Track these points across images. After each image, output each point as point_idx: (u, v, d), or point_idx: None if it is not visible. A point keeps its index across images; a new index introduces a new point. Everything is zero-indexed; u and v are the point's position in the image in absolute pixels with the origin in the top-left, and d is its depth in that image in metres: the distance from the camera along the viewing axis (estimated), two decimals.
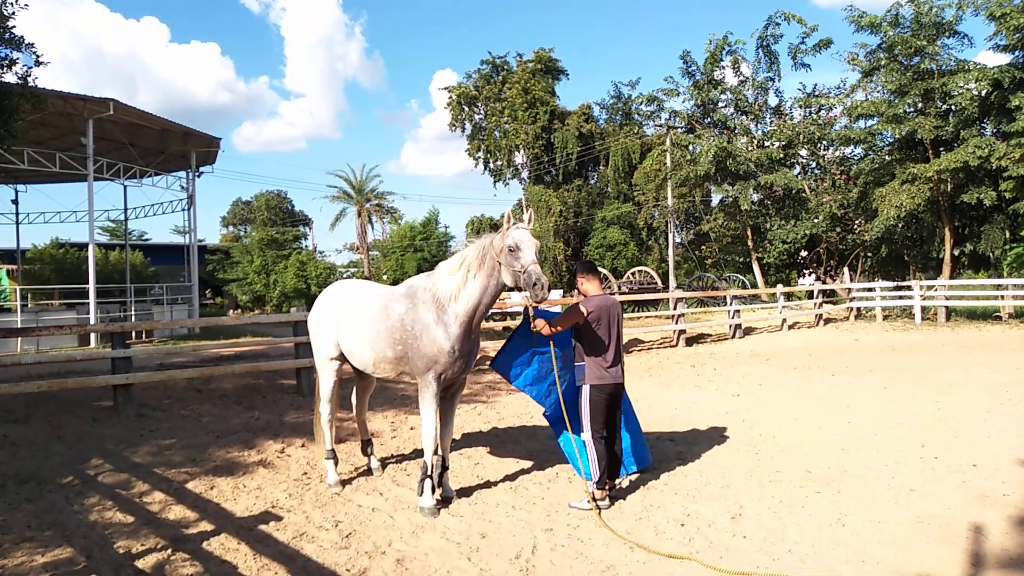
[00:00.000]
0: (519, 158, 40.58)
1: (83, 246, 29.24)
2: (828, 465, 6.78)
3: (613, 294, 24.43)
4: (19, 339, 18.28)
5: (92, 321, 20.53)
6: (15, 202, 29.05)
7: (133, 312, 25.93)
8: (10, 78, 11.23)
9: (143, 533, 5.34)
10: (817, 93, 29.06)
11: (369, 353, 6.03)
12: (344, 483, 6.60)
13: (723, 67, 29.98)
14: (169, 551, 4.96)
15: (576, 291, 6.11)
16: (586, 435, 5.81)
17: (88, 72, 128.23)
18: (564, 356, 6.15)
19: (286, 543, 5.15)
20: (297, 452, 7.77)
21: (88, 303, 21.17)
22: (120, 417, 9.32)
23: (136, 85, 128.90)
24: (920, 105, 23.27)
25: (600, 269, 31.01)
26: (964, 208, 23.26)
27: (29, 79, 11.37)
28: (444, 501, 5.95)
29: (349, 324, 6.18)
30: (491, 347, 14.65)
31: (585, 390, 5.80)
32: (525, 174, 40.89)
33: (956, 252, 24.22)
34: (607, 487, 5.84)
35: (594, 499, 5.71)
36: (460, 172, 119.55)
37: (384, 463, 7.24)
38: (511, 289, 5.66)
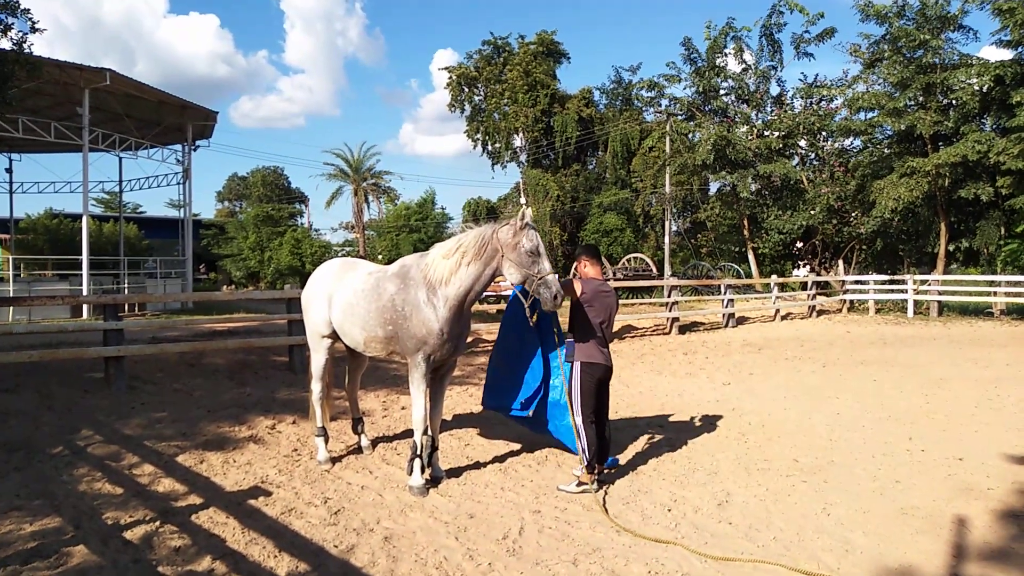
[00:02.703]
0: (518, 141, 40.44)
1: (77, 217, 29.06)
2: (815, 455, 6.83)
3: (608, 280, 24.47)
4: (11, 308, 18.21)
5: (85, 292, 20.46)
6: (9, 171, 28.79)
7: (126, 285, 25.85)
8: (5, 44, 11.09)
9: (132, 504, 5.35)
10: (818, 83, 28.95)
11: (360, 332, 6.03)
12: (334, 460, 6.62)
13: (726, 54, 29.80)
14: (158, 523, 4.98)
15: (574, 272, 6.13)
16: (576, 419, 5.83)
17: (85, 41, 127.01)
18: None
19: (275, 518, 5.17)
20: (288, 429, 7.79)
21: (81, 274, 21.08)
22: (111, 389, 9.31)
23: (133, 56, 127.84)
24: (921, 99, 23.21)
25: None
26: (961, 203, 23.30)
27: (24, 45, 11.23)
28: (433, 481, 5.98)
29: (341, 302, 6.18)
30: (484, 329, 14.68)
31: (576, 368, 5.82)
32: (523, 157, 40.76)
33: (951, 247, 24.29)
34: (596, 471, 5.88)
35: (581, 483, 5.75)
36: (458, 153, 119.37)
37: (374, 442, 7.26)
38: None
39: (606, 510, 5.31)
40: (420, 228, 42.26)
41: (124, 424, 7.74)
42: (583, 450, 5.80)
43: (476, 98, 41.13)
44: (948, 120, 22.56)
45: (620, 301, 19.62)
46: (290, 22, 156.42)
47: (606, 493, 5.74)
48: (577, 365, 5.82)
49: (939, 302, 22.05)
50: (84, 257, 20.74)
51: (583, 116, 38.43)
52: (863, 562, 4.45)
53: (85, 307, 19.47)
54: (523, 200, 33.47)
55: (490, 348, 14.26)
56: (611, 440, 6.23)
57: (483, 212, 42.13)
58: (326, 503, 5.50)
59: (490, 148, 40.96)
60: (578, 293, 5.77)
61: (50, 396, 8.88)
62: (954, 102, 22.66)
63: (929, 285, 22.42)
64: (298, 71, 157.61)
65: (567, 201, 37.96)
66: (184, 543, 4.67)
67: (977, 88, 21.89)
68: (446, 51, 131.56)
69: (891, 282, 23.92)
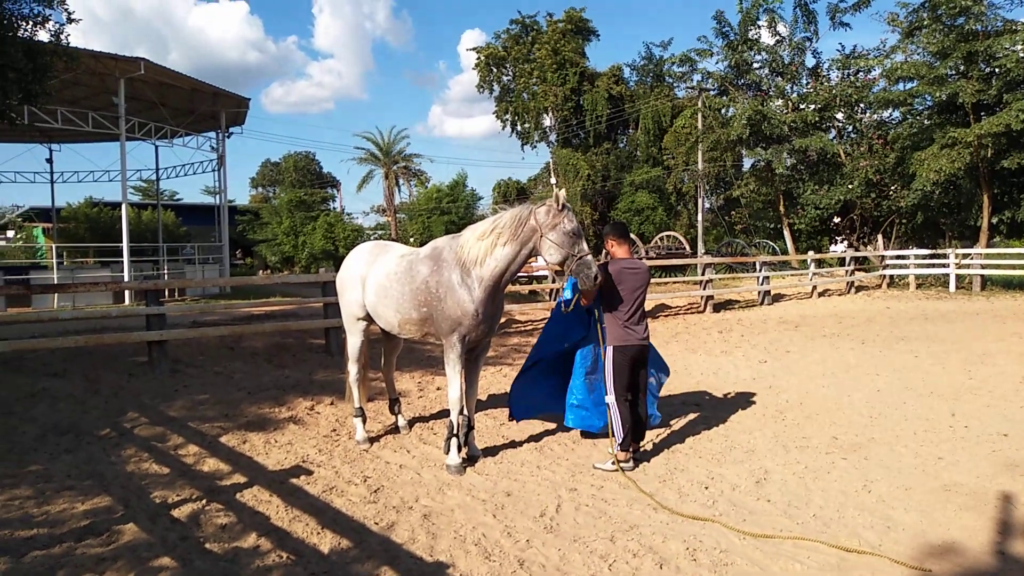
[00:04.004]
0: (547, 121, 40.06)
1: (116, 205, 29.70)
2: (855, 432, 6.75)
3: (641, 259, 24.28)
4: (56, 295, 18.71)
5: (126, 279, 20.93)
6: (49, 161, 29.45)
7: (166, 271, 26.37)
8: (43, 36, 11.29)
9: (178, 484, 5.50)
10: (856, 54, 28.17)
11: (394, 314, 6.08)
12: (372, 440, 6.72)
13: (759, 26, 29.12)
14: (204, 501, 5.11)
15: (604, 252, 6.09)
16: (610, 397, 5.83)
17: (118, 30, 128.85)
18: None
19: (316, 496, 5.28)
20: (326, 409, 7.92)
21: (122, 261, 21.54)
22: (155, 372, 9.54)
23: (166, 44, 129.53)
24: (962, 68, 22.48)
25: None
26: (1004, 174, 22.57)
27: (61, 36, 11.43)
28: (470, 459, 6.03)
29: (374, 285, 6.23)
30: (516, 310, 14.71)
31: (609, 352, 5.82)
32: (553, 137, 40.41)
33: (994, 220, 23.59)
34: (631, 449, 5.88)
35: (617, 460, 5.76)
36: (487, 134, 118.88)
37: (411, 422, 7.34)
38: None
39: (637, 485, 5.31)
40: (451, 210, 42.28)
41: (168, 406, 7.93)
42: (617, 428, 5.80)
43: (505, 78, 40.78)
44: (991, 88, 21.83)
45: (655, 280, 19.53)
46: (318, 6, 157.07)
47: (642, 471, 5.75)
48: (610, 349, 5.83)
49: (982, 276, 21.49)
50: (124, 244, 21.18)
51: (613, 94, 37.92)
52: (905, 539, 4.41)
53: (127, 293, 19.92)
54: (554, 180, 33.29)
55: (524, 329, 14.35)
56: (647, 418, 6.22)
57: (513, 193, 41.94)
58: (366, 481, 5.59)
59: (519, 128, 40.65)
60: (604, 280, 5.76)
61: (96, 380, 9.11)
62: (997, 70, 21.88)
63: (972, 259, 21.85)
64: (327, 56, 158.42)
65: (598, 180, 37.61)
66: (230, 520, 4.80)
67: (1022, 55, 21.11)
68: (474, 31, 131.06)
69: (932, 256, 23.37)
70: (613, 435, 5.84)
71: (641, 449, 6.17)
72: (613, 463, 5.76)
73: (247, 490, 5.37)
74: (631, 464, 5.80)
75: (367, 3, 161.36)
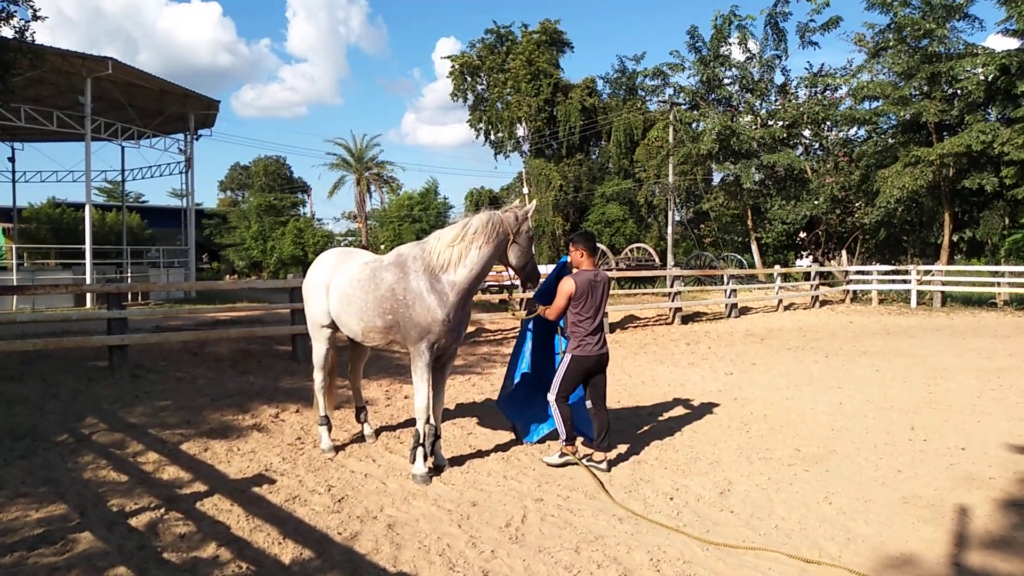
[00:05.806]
0: (521, 131, 40.20)
1: (80, 206, 29.12)
2: (817, 444, 6.84)
3: (610, 270, 24.45)
4: (15, 297, 18.26)
5: (88, 281, 20.50)
6: (12, 160, 28.80)
7: (129, 274, 25.89)
8: (7, 32, 11.09)
9: (137, 492, 5.38)
10: (823, 73, 28.80)
11: (358, 322, 6.02)
12: (337, 449, 6.64)
13: (730, 43, 29.64)
14: (163, 510, 5.00)
15: (571, 263, 6.19)
16: (551, 396, 6.02)
17: (87, 29, 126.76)
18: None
19: (279, 505, 5.20)
20: (291, 417, 7.82)
21: (84, 263, 21.13)
22: (115, 377, 9.35)
23: (136, 45, 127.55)
24: (926, 88, 23.09)
25: (598, 245, 31.06)
26: (965, 194, 23.20)
27: (26, 33, 11.22)
28: (436, 469, 6.00)
29: (338, 293, 6.17)
30: (486, 319, 14.69)
31: (567, 358, 6.01)
32: (526, 147, 40.56)
33: (955, 238, 24.21)
34: (574, 444, 6.09)
35: (563, 454, 6.06)
36: (461, 143, 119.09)
37: (377, 431, 7.28)
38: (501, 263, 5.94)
39: (599, 479, 5.33)
40: (422, 218, 42.22)
41: (128, 412, 7.77)
42: (559, 425, 6.04)
43: (479, 87, 40.87)
44: (953, 109, 22.45)
45: (624, 292, 19.66)
46: (292, 10, 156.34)
47: (608, 481, 5.76)
48: (569, 356, 6.00)
49: (942, 292, 22.01)
50: (87, 246, 20.79)
51: (586, 105, 38.20)
52: (864, 550, 4.47)
53: (88, 296, 19.50)
54: (526, 190, 33.39)
55: (493, 338, 14.34)
56: (610, 427, 6.23)
57: (485, 202, 41.90)
58: (330, 491, 5.52)
59: (493, 138, 40.74)
60: (572, 292, 5.86)
61: (55, 384, 8.91)
62: (959, 91, 22.53)
63: (932, 275, 22.38)
64: (300, 60, 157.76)
65: (570, 191, 37.79)
66: (189, 529, 4.70)
67: (982, 78, 21.75)
68: (449, 40, 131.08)
69: (894, 272, 23.89)
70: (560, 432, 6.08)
71: (608, 459, 6.18)
72: (560, 455, 6.07)
73: (208, 499, 5.28)
74: (577, 456, 6.01)
75: (342, 8, 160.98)
